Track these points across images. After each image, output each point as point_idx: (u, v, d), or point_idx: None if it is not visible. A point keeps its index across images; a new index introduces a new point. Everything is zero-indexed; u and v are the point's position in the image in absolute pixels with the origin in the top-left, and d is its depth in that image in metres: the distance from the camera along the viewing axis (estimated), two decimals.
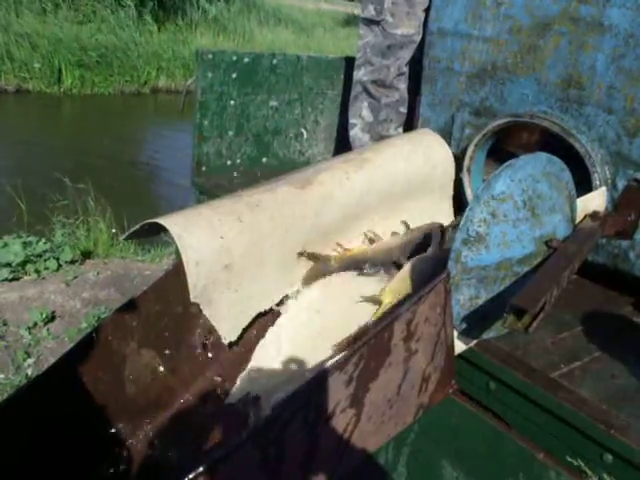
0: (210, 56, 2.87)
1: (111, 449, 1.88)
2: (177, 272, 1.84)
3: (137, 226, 1.81)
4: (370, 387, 1.51)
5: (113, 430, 1.89)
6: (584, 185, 2.21)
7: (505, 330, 1.82)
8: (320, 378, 1.41)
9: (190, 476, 1.28)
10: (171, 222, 1.74)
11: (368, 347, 1.44)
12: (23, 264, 4.88)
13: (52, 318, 4.30)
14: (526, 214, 1.71)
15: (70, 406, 1.80)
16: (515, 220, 1.68)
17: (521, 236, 1.71)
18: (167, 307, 1.97)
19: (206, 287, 1.77)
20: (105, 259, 5.47)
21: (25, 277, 4.86)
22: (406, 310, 1.48)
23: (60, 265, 5.04)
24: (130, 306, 1.91)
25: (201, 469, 1.30)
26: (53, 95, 12.82)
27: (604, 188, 2.17)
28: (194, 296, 1.74)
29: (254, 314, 1.94)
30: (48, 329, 4.18)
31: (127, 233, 1.87)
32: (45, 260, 4.98)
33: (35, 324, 4.19)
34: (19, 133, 10.52)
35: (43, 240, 5.17)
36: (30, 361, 3.87)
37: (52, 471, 1.74)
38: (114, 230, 5.85)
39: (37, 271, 4.90)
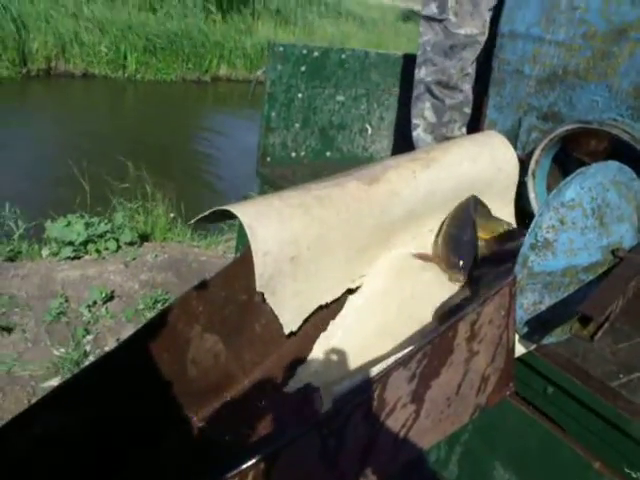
0: (281, 49, 2.91)
1: (172, 427, 1.94)
2: (244, 260, 1.89)
3: (208, 212, 1.86)
4: (431, 385, 1.53)
5: (175, 409, 1.95)
6: None
7: (564, 336, 1.83)
8: (384, 373, 1.44)
9: (254, 460, 1.33)
10: (243, 211, 1.79)
11: (432, 345, 1.47)
12: (85, 243, 5.03)
13: (111, 297, 4.43)
14: (594, 222, 1.71)
15: (134, 384, 1.87)
16: (583, 228, 1.69)
17: (588, 244, 1.71)
18: (233, 294, 2.01)
19: (272, 277, 1.81)
20: (162, 243, 5.60)
21: (86, 256, 5.01)
22: (472, 311, 1.50)
23: (120, 246, 5.18)
24: (197, 291, 1.97)
25: (265, 454, 1.34)
26: (117, 80, 13.09)
27: None
28: (260, 285, 1.79)
29: (316, 306, 1.97)
30: (107, 308, 4.30)
31: (196, 218, 1.92)
32: (106, 240, 5.13)
33: (95, 302, 4.32)
34: (84, 117, 10.79)
35: (105, 221, 5.31)
36: (89, 338, 3.99)
37: (115, 447, 1.82)
38: (172, 215, 5.98)
39: (98, 251, 5.04)
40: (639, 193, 1.91)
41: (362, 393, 1.43)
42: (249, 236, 1.75)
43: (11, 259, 5.03)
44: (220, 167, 9.30)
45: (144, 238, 5.63)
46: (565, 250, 1.66)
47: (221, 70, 14.43)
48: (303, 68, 2.99)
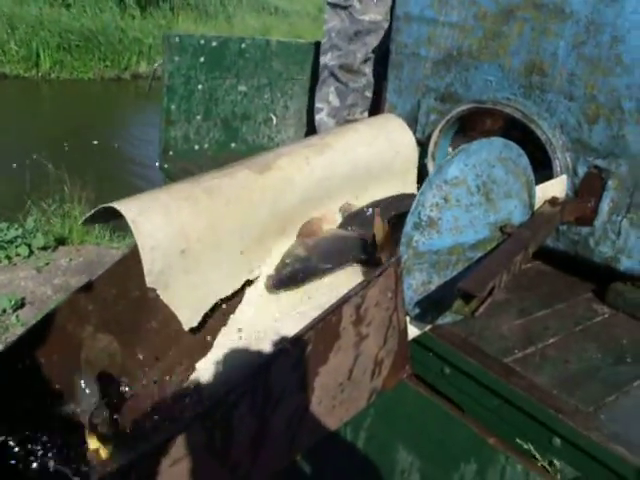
0: (177, 39, 2.85)
1: (66, 434, 1.87)
2: (133, 256, 1.83)
3: (93, 210, 1.80)
4: (319, 371, 1.50)
5: (70, 414, 1.88)
6: (547, 172, 2.22)
7: (461, 316, 1.83)
8: (266, 362, 1.40)
9: (135, 458, 1.28)
10: (126, 207, 1.73)
11: (315, 331, 1.43)
12: None
13: (22, 304, 4.28)
14: (480, 199, 1.71)
15: (24, 391, 1.78)
16: (468, 205, 1.68)
17: (474, 221, 1.71)
18: (124, 291, 1.95)
19: (162, 272, 1.76)
20: (79, 246, 5.45)
21: None
22: (355, 294, 1.48)
23: (32, 251, 5.02)
24: (86, 290, 1.90)
25: (146, 451, 1.30)
26: (31, 79, 12.67)
27: (564, 176, 2.18)
28: (150, 281, 1.73)
29: (214, 300, 1.92)
30: (17, 316, 4.15)
31: (84, 217, 1.85)
32: (16, 246, 4.96)
33: (4, 311, 4.17)
34: None
35: (15, 226, 5.13)
36: None
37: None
38: (103, 222, 5.80)
39: (8, 257, 4.87)
40: (528, 169, 1.92)
41: (245, 383, 1.39)
42: (133, 231, 1.69)
43: None
44: (143, 166, 9.11)
45: (60, 242, 5.46)
46: (450, 228, 1.65)
47: (141, 67, 14.13)
48: (202, 59, 2.94)
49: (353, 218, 2.15)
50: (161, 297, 1.79)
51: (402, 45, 2.66)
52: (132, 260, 1.90)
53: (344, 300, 1.46)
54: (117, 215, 1.80)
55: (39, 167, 6.14)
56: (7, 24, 12.54)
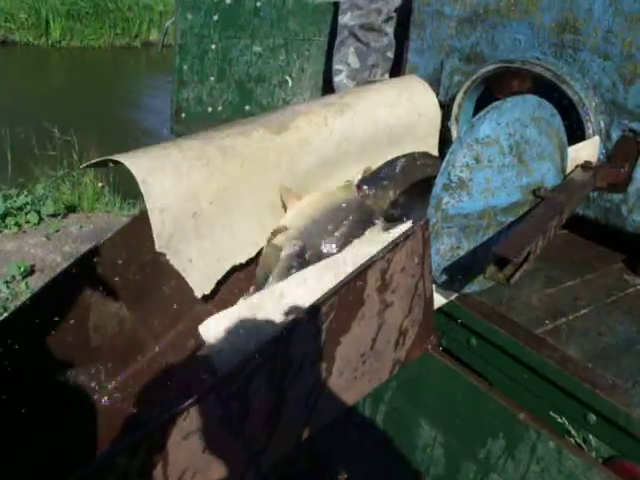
0: None
1: (77, 401, 1.80)
2: (144, 218, 1.74)
3: (98, 159, 1.71)
4: (341, 340, 1.41)
5: (79, 382, 1.81)
6: (578, 136, 2.11)
7: (489, 284, 1.74)
8: (286, 330, 1.31)
9: (146, 430, 1.20)
10: (135, 164, 1.63)
11: (338, 297, 1.34)
12: (3, 217, 4.79)
13: (31, 272, 4.22)
14: (512, 160, 1.60)
15: (32, 357, 1.71)
16: (500, 166, 1.58)
17: (506, 183, 1.60)
18: (135, 255, 1.86)
19: (173, 236, 1.67)
20: (89, 213, 5.38)
21: (5, 230, 4.76)
22: (380, 258, 1.38)
23: (42, 218, 4.95)
24: (94, 253, 1.81)
25: (157, 423, 1.21)
26: (40, 47, 12.54)
27: (597, 137, 2.06)
28: (159, 245, 1.65)
29: (228, 266, 1.83)
30: (27, 283, 4.09)
31: (87, 163, 1.76)
32: (26, 213, 4.89)
33: (13, 278, 4.11)
34: (5, 84, 10.30)
35: (25, 193, 5.06)
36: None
37: (15, 425, 1.66)
38: (100, 184, 5.73)
39: (17, 224, 4.80)
40: (561, 130, 1.81)
41: (263, 352, 1.30)
42: (143, 192, 1.61)
43: None
44: (154, 134, 9.00)
45: (70, 209, 5.39)
46: (482, 190, 1.55)
47: (152, 35, 13.95)
48: (215, 17, 2.82)
49: (369, 182, 2.05)
50: (171, 262, 1.70)
51: (425, 3, 2.54)
52: (142, 222, 1.81)
53: (369, 264, 1.37)
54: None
55: (47, 134, 6.03)
56: None
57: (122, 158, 1.63)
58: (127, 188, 5.47)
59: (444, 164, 1.49)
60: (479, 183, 1.54)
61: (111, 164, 1.71)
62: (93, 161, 1.70)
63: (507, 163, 1.59)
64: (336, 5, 3.12)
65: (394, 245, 1.40)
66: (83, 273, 1.79)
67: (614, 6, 2.00)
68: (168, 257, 1.69)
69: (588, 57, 2.09)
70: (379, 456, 1.96)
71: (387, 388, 1.84)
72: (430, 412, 1.77)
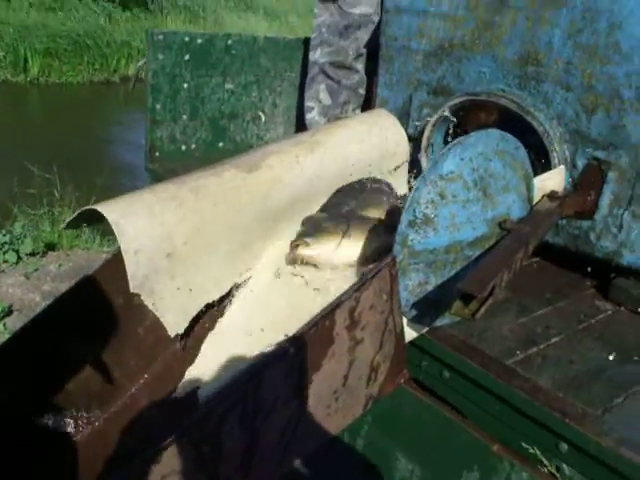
0: (161, 37, 2.77)
1: (52, 447, 1.79)
2: (117, 260, 1.75)
3: (75, 213, 1.72)
4: (313, 379, 1.43)
5: (55, 426, 1.80)
6: (545, 165, 2.15)
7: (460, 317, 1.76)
8: (256, 370, 1.33)
9: (120, 475, 1.21)
10: (108, 209, 1.65)
11: (307, 337, 1.36)
12: None
13: (9, 312, 4.19)
14: (477, 194, 1.64)
15: (10, 398, 1.71)
16: (465, 201, 1.61)
17: (472, 217, 1.63)
18: (110, 297, 1.87)
19: (147, 277, 1.68)
20: (69, 251, 5.35)
21: None
22: (348, 297, 1.40)
23: (20, 257, 4.92)
24: (70, 295, 1.82)
25: (132, 468, 1.22)
26: (19, 84, 12.54)
27: (562, 167, 2.10)
28: (134, 286, 1.66)
29: (202, 304, 1.85)
30: (4, 324, 4.06)
31: (66, 221, 1.78)
32: (4, 252, 4.86)
33: None
34: None
35: (2, 232, 5.04)
36: None
37: None
38: (85, 226, 5.70)
39: None
40: (526, 162, 1.85)
41: (234, 393, 1.31)
42: (117, 234, 1.63)
43: None
44: (133, 168, 9.01)
45: (50, 247, 5.36)
46: (447, 225, 1.58)
47: (130, 70, 13.96)
48: (187, 56, 2.86)
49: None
50: (145, 303, 1.71)
51: (392, 38, 2.59)
52: (116, 264, 1.83)
53: (337, 304, 1.39)
54: (102, 218, 1.73)
55: (27, 171, 6.02)
56: None
57: (95, 206, 1.65)
58: (106, 225, 5.45)
59: (409, 201, 1.51)
60: (444, 218, 1.57)
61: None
62: (71, 217, 1.72)
63: (472, 197, 1.62)
64: (307, 41, 3.17)
65: (362, 284, 1.42)
66: (59, 315, 1.80)
67: (573, 39, 2.05)
68: (143, 298, 1.70)
69: (551, 88, 2.14)
70: None
71: (363, 422, 1.85)
72: (406, 445, 1.78)
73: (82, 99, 12.72)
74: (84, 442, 1.83)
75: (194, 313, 1.83)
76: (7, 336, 3.85)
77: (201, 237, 1.78)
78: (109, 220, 1.63)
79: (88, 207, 1.68)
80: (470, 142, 1.62)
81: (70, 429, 1.81)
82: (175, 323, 1.79)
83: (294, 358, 1.36)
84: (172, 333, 1.79)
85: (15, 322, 4.06)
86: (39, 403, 1.79)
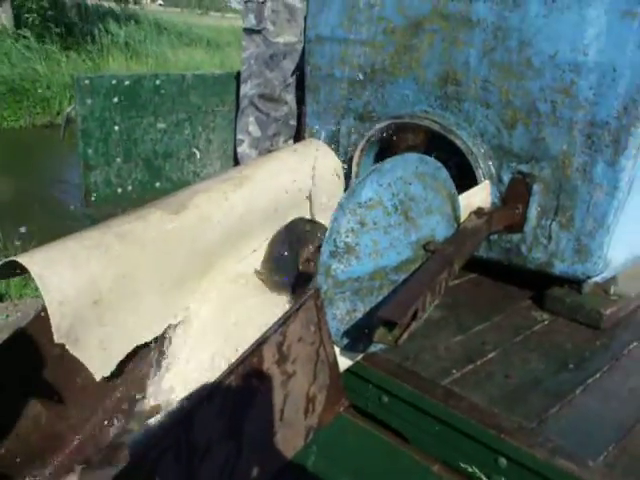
0: (87, 82, 2.76)
1: None
2: (46, 312, 1.73)
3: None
4: (247, 416, 1.43)
5: None
6: (473, 183, 2.19)
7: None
8: (185, 412, 1.32)
9: None
10: (30, 260, 1.64)
11: (236, 375, 1.36)
12: None
13: None
14: (398, 219, 1.66)
15: None
16: (387, 226, 1.63)
17: (395, 242, 1.65)
18: (45, 348, 1.84)
19: (73, 326, 1.67)
20: (17, 300, 5.26)
21: None
22: (274, 332, 1.41)
23: None
24: (4, 349, 1.80)
25: None
26: None
27: (487, 182, 2.14)
28: (58, 337, 1.64)
29: (131, 347, 1.83)
30: None
31: None
32: None
33: None
34: None
35: None
36: None
37: None
38: (13, 278, 5.61)
39: None
40: (448, 181, 1.88)
41: (166, 437, 1.30)
42: (39, 286, 1.61)
43: None
44: (78, 211, 8.90)
45: None
46: (370, 252, 1.60)
47: (73, 111, 13.89)
48: (116, 99, 2.84)
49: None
50: (71, 352, 1.69)
51: (316, 67, 2.62)
52: (44, 317, 1.80)
53: (263, 340, 1.39)
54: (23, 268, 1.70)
55: None
56: None
57: (17, 257, 1.63)
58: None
59: (329, 232, 1.52)
60: (366, 246, 1.59)
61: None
62: None
63: (393, 222, 1.64)
64: (238, 75, 3.18)
65: (287, 317, 1.43)
66: None
67: (487, 57, 2.10)
68: (68, 347, 1.68)
69: (471, 107, 2.19)
70: None
71: (309, 453, 1.84)
72: (352, 473, 1.77)
73: (25, 143, 12.55)
74: None
75: (122, 356, 1.82)
76: None
77: (128, 283, 1.77)
78: (31, 272, 1.62)
79: (10, 259, 1.66)
80: (387, 168, 1.64)
81: None
82: (100, 367, 1.77)
83: (225, 397, 1.35)
84: (98, 377, 1.77)
85: None
86: None
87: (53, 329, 1.61)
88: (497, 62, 2.09)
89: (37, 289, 4.37)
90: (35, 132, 13.18)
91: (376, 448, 1.69)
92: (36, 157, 11.76)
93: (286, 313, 1.44)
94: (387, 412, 1.74)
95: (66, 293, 1.63)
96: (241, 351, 1.79)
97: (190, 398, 1.58)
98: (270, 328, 1.41)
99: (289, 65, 2.88)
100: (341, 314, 1.60)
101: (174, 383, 1.91)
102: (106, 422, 1.93)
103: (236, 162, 3.28)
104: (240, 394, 1.39)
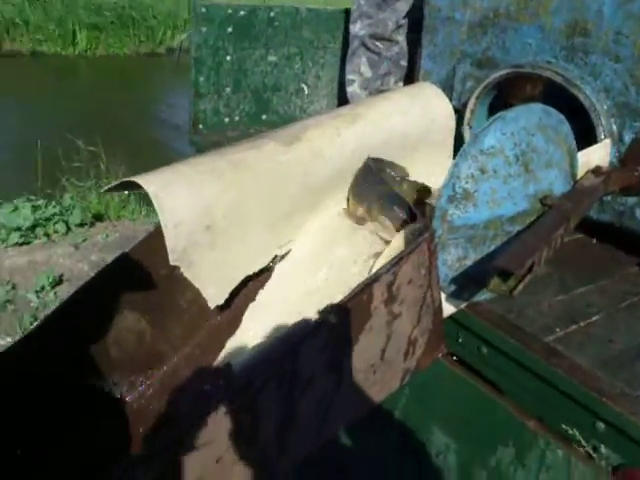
0: (204, 10, 2.77)
1: (100, 409, 1.84)
2: (160, 233, 1.78)
3: (114, 183, 1.74)
4: (350, 352, 1.44)
5: (101, 391, 1.85)
6: (591, 140, 2.11)
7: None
8: (293, 343, 1.34)
9: (164, 443, 1.24)
10: (148, 181, 1.67)
11: (345, 310, 1.37)
12: (33, 228, 4.89)
13: (60, 281, 4.30)
14: (518, 169, 1.61)
15: (55, 366, 1.75)
16: (506, 176, 1.59)
17: (513, 193, 1.61)
18: (153, 268, 1.90)
19: (186, 249, 1.70)
20: (115, 222, 5.45)
21: (35, 241, 4.85)
22: (386, 272, 1.40)
23: (69, 228, 5.04)
24: (115, 266, 1.85)
25: (172, 436, 1.25)
26: (68, 57, 12.74)
27: (608, 141, 2.06)
28: (174, 259, 1.67)
29: (242, 277, 1.86)
30: (55, 292, 4.17)
31: (105, 187, 1.80)
32: (54, 223, 4.98)
33: (43, 288, 4.19)
34: (34, 95, 10.48)
35: (53, 203, 5.15)
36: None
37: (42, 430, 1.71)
38: (126, 192, 5.81)
39: (46, 234, 4.90)
40: (569, 137, 1.81)
41: (271, 366, 1.33)
42: (156, 208, 1.64)
43: None
44: (179, 141, 9.09)
45: (97, 218, 5.48)
46: (487, 200, 1.56)
47: (176, 41, 14.06)
48: (230, 29, 2.86)
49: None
50: (185, 275, 1.73)
51: (436, 9, 2.55)
52: (159, 236, 1.85)
53: (375, 278, 1.39)
54: (142, 187, 1.75)
55: (74, 144, 6.12)
56: (42, 5, 12.58)
57: (135, 178, 1.66)
58: (146, 195, 5.54)
59: (448, 176, 1.50)
60: (484, 193, 1.55)
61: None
62: (110, 185, 1.74)
63: (513, 173, 1.60)
64: (348, 13, 3.14)
65: (400, 258, 1.42)
66: (105, 286, 1.84)
67: (624, 8, 1.99)
68: (182, 270, 1.72)
69: (599, 60, 2.09)
70: (394, 462, 1.98)
71: (401, 395, 1.86)
72: (442, 419, 1.78)
73: (128, 71, 12.84)
74: (128, 406, 1.87)
75: (234, 285, 1.85)
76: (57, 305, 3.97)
77: (240, 210, 1.79)
78: (149, 193, 1.64)
79: (128, 179, 1.70)
80: (512, 117, 1.60)
81: (116, 394, 1.86)
82: (215, 295, 1.81)
83: (331, 332, 1.37)
84: (211, 305, 1.81)
85: (65, 291, 4.16)
86: (86, 370, 1.84)
87: (168, 250, 1.64)
88: (634, 13, 1.98)
89: (134, 212, 4.55)
90: (139, 60, 13.44)
91: (471, 397, 1.68)
92: (140, 85, 12.03)
93: (399, 254, 1.43)
94: (484, 363, 1.73)
95: (181, 215, 1.65)
96: (342, 288, 1.83)
97: (295, 330, 1.61)
98: (382, 267, 1.41)
99: (402, 6, 2.81)
100: (451, 260, 1.58)
101: (272, 314, 1.94)
102: (203, 345, 1.99)
103: (340, 101, 3.26)
104: (345, 330, 1.40)
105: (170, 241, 1.65)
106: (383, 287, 1.42)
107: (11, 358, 1.70)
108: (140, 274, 1.90)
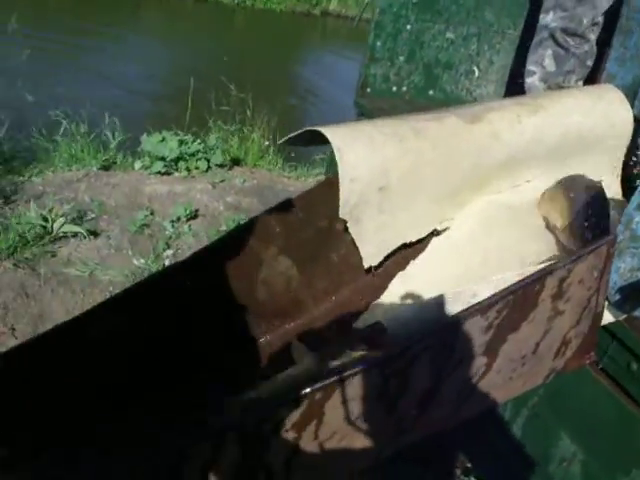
0: None
1: (236, 347, 1.90)
2: (329, 185, 1.81)
3: (298, 132, 1.77)
4: (508, 339, 1.43)
5: (240, 329, 1.91)
6: None
7: None
8: (457, 320, 1.34)
9: (308, 390, 1.27)
10: (333, 133, 1.69)
11: (515, 297, 1.36)
12: (176, 160, 5.08)
13: (195, 215, 4.46)
14: None
15: (201, 297, 1.82)
16: None
17: None
18: (313, 218, 1.92)
19: (357, 206, 1.72)
20: (252, 169, 5.59)
21: (176, 173, 5.05)
22: (562, 267, 1.38)
23: (210, 167, 5.20)
24: (276, 211, 1.90)
25: (325, 383, 1.28)
26: (228, 5, 13.03)
27: None
28: (343, 213, 1.71)
29: (399, 243, 1.87)
30: (190, 225, 4.33)
31: (286, 137, 1.84)
32: (197, 160, 5.15)
33: (178, 218, 4.36)
34: (192, 37, 10.82)
35: (198, 140, 5.32)
36: (169, 252, 4.03)
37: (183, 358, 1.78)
38: (266, 142, 5.95)
39: (188, 169, 5.08)
40: None
41: (431, 337, 1.34)
42: (337, 159, 1.66)
43: (105, 168, 5.13)
44: (322, 101, 9.18)
45: (235, 162, 5.64)
46: None
47: (331, 5, 14.14)
48: None
49: None
50: (350, 230, 1.76)
51: (636, 9, 2.44)
52: (326, 188, 1.88)
53: (549, 270, 1.37)
54: (314, 141, 1.77)
55: (226, 90, 6.29)
56: None
57: (321, 128, 1.69)
58: (290, 150, 5.65)
59: None
60: None
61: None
62: (292, 135, 1.77)
63: None
64: (534, 1, 3.05)
65: (578, 256, 1.39)
66: (263, 227, 1.89)
67: None
68: (348, 225, 1.75)
69: None
70: (511, 458, 1.96)
71: (533, 393, 1.83)
72: (574, 426, 1.75)
73: (283, 27, 13.02)
74: (261, 344, 1.92)
75: (391, 249, 1.87)
76: (190, 238, 4.13)
77: (415, 177, 1.79)
78: (332, 144, 1.67)
79: (312, 128, 1.73)
80: None
81: (256, 335, 1.91)
82: (371, 255, 1.84)
83: (496, 316, 1.36)
84: (366, 265, 1.84)
85: (199, 225, 4.32)
86: (232, 304, 1.90)
87: (340, 203, 1.67)
88: None
89: (270, 163, 4.65)
90: (294, 18, 13.60)
91: (612, 412, 1.64)
92: (292, 42, 12.18)
93: (578, 252, 1.40)
94: (632, 379, 1.68)
95: (359, 172, 1.67)
96: (498, 276, 1.81)
97: (450, 305, 1.61)
98: (558, 262, 1.39)
99: (603, 3, 2.70)
100: (624, 269, 1.54)
101: (421, 287, 1.94)
102: (346, 302, 2.01)
103: (509, 90, 3.19)
104: (509, 316, 1.39)
105: (344, 194, 1.68)
106: (555, 281, 1.40)
107: (159, 285, 1.76)
108: (300, 222, 1.94)
